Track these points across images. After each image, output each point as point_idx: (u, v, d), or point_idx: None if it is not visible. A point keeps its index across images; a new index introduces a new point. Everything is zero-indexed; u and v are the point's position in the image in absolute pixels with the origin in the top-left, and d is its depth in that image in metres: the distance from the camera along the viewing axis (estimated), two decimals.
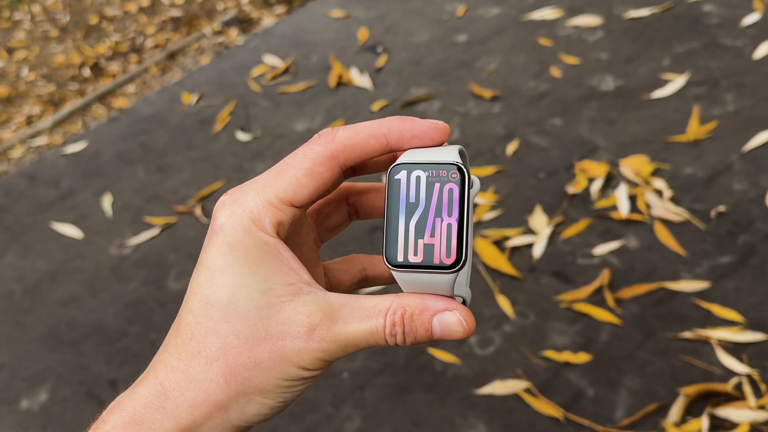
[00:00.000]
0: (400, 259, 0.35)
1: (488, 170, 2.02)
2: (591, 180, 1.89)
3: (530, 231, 1.80)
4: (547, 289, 1.65)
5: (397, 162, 0.36)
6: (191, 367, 0.36)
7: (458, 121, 2.26)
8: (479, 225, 1.85)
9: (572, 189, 1.87)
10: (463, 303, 0.39)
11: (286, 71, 2.83)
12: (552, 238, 1.76)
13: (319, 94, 2.61)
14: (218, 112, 2.69)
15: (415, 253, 0.35)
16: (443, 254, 0.35)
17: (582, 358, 1.48)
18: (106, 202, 2.36)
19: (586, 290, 1.61)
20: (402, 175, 0.35)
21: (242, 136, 2.50)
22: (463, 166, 0.35)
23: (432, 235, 0.35)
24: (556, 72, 2.35)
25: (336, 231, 0.46)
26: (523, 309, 1.62)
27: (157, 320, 1.87)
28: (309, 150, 0.37)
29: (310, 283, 0.37)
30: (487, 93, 2.34)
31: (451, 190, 0.35)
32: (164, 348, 0.38)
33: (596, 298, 1.59)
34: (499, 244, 1.78)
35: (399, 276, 0.36)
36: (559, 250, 1.73)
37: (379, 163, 0.43)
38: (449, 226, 0.35)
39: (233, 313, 0.36)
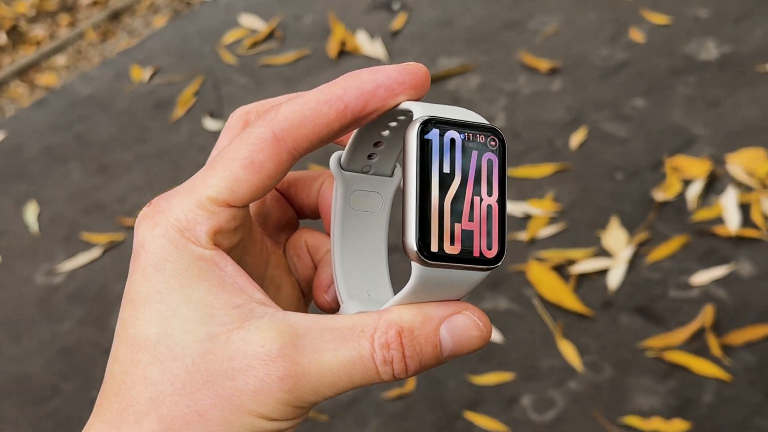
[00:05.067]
0: (434, 248, 0.34)
1: (545, 169, 2.02)
2: (687, 183, 1.88)
3: (604, 252, 1.79)
4: (628, 332, 1.64)
5: (423, 116, 0.35)
6: (119, 428, 0.36)
7: (504, 103, 2.26)
8: (534, 243, 1.85)
9: (661, 195, 1.87)
10: None
11: (270, 36, 2.84)
12: (634, 263, 1.76)
13: (315, 68, 2.62)
14: (179, 92, 2.70)
15: (452, 242, 0.34)
16: (484, 245, 0.35)
17: (677, 426, 1.47)
18: (31, 213, 2.37)
19: (682, 334, 1.60)
20: (434, 135, 0.34)
21: (212, 124, 2.52)
22: (501, 132, 0.35)
23: (470, 218, 0.34)
24: (637, 35, 2.35)
25: (286, 232, 0.47)
26: (596, 359, 1.61)
27: (100, 373, 1.87)
28: (245, 134, 0.37)
29: (263, 302, 0.37)
30: (544, 64, 2.34)
31: (490, 162, 0.35)
32: (94, 408, 0.38)
33: (696, 345, 1.58)
34: (561, 270, 1.78)
35: (427, 272, 0.35)
36: (644, 278, 1.72)
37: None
38: (489, 208, 0.35)
39: (165, 353, 0.36)
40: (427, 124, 0.34)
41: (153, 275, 0.36)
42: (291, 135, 0.37)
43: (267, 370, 0.35)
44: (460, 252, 0.34)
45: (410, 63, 0.37)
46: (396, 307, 0.36)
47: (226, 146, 0.37)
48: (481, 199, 0.34)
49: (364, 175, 0.42)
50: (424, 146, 0.34)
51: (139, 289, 0.36)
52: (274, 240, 0.46)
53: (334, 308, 0.44)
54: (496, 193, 0.35)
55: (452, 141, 0.34)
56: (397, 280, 0.40)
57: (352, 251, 0.43)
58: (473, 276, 0.35)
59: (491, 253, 0.35)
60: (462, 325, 0.36)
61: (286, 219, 0.46)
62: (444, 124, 0.34)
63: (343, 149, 0.42)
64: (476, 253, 0.34)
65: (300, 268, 0.46)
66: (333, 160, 0.43)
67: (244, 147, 0.37)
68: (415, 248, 0.33)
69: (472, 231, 0.34)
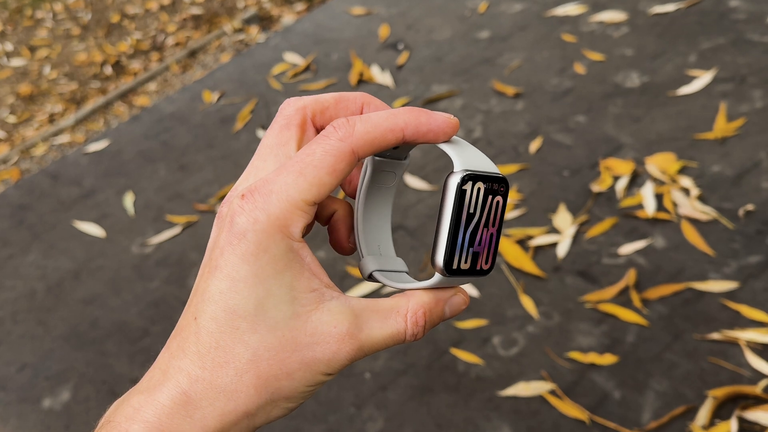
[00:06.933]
0: (455, 266, 0.37)
1: (511, 168, 2.00)
2: (616, 178, 1.87)
3: (554, 230, 1.78)
4: (571, 289, 1.63)
5: (464, 170, 0.37)
6: (218, 377, 0.36)
7: (480, 119, 2.25)
8: (503, 223, 1.83)
9: (597, 187, 1.85)
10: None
11: (307, 69, 2.83)
12: (576, 238, 1.74)
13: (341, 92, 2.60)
14: (239, 110, 2.69)
15: (465, 261, 0.37)
16: (483, 261, 0.38)
17: (608, 359, 1.47)
18: (128, 200, 2.37)
19: (612, 290, 1.59)
20: (468, 186, 0.36)
21: (263, 134, 2.50)
22: (507, 180, 0.39)
23: (479, 243, 0.38)
24: (579, 68, 2.33)
25: None
26: (548, 309, 1.60)
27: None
28: (328, 146, 0.36)
29: (329, 286, 0.38)
30: (510, 90, 2.32)
31: (498, 203, 0.38)
32: (181, 353, 0.37)
33: (622, 299, 1.57)
34: (522, 243, 1.77)
35: (445, 279, 0.38)
36: (583, 249, 1.71)
37: None
38: (491, 235, 0.38)
39: (261, 325, 0.36)
40: (465, 179, 0.36)
41: (253, 261, 0.36)
42: (363, 149, 0.37)
43: (338, 345, 0.37)
44: (469, 268, 0.38)
45: (452, 117, 0.39)
46: (419, 292, 0.39)
47: (311, 153, 0.37)
48: (487, 229, 0.38)
49: (385, 159, 0.43)
50: (461, 195, 0.36)
51: (238, 269, 0.36)
52: None
53: (353, 250, 0.45)
54: (497, 224, 0.38)
55: (479, 189, 0.37)
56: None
57: (370, 215, 0.44)
58: (469, 280, 0.39)
59: (486, 267, 0.39)
60: (456, 301, 0.40)
61: None
62: (476, 176, 0.37)
63: None
64: (478, 267, 0.38)
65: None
66: None
67: (328, 158, 0.36)
68: (442, 266, 0.37)
69: (478, 252, 0.38)
